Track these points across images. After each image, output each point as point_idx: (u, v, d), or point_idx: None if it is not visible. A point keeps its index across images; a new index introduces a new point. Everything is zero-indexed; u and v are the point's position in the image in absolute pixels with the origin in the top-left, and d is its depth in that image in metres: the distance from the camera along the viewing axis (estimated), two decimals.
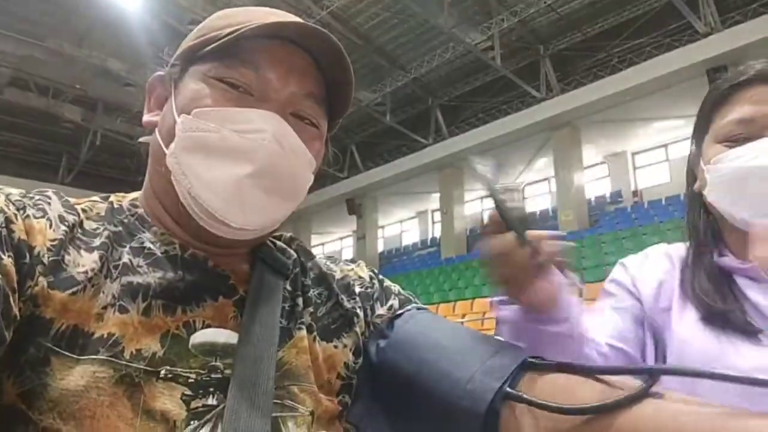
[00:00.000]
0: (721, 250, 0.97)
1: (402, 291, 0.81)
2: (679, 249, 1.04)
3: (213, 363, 0.60)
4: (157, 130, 0.68)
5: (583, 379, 0.57)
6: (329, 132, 0.75)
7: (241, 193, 0.61)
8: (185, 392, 0.56)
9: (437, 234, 20.48)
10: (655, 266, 1.03)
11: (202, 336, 0.60)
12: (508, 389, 0.58)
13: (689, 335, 0.90)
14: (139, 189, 0.74)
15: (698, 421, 0.46)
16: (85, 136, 18.07)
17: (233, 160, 0.61)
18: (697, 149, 0.99)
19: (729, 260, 0.94)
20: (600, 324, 0.98)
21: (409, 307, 0.76)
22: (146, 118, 0.72)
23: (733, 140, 0.90)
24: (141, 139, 0.73)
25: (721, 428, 0.44)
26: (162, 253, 0.64)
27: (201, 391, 0.57)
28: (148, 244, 0.65)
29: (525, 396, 0.57)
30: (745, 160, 0.87)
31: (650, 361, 0.95)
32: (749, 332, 0.85)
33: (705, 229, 0.99)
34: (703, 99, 1.00)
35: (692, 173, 1.02)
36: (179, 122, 0.63)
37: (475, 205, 20.65)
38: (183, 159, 0.62)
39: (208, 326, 0.62)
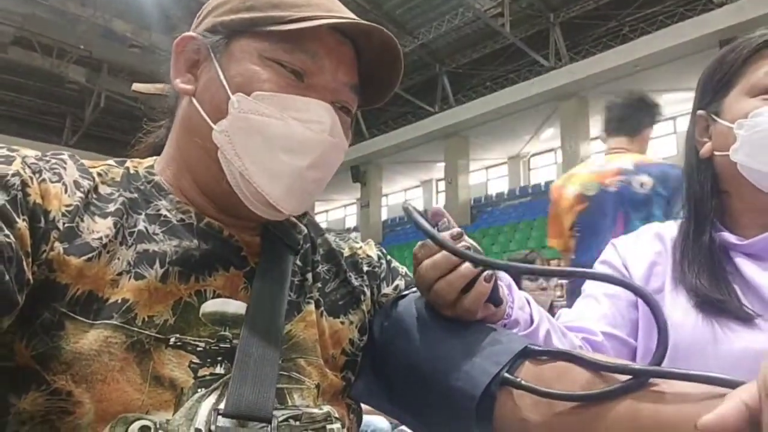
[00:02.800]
0: (719, 226, 0.94)
1: (408, 272, 0.82)
2: (671, 228, 1.02)
3: (222, 332, 0.61)
4: (194, 99, 0.67)
5: (582, 368, 0.57)
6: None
7: (297, 183, 0.63)
8: (193, 360, 0.58)
9: (441, 203, 20.48)
10: (646, 247, 1.01)
11: (212, 305, 0.61)
12: (506, 374, 0.58)
13: (682, 319, 0.87)
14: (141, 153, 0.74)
15: (697, 402, 0.46)
16: (90, 97, 17.96)
17: (294, 151, 0.62)
18: (709, 112, 0.95)
19: (727, 236, 0.91)
20: (592, 311, 0.96)
21: (414, 289, 0.76)
22: (180, 84, 0.68)
23: None
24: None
25: (704, 406, 0.44)
26: (178, 221, 0.65)
27: (209, 360, 0.58)
28: (164, 212, 0.65)
29: (523, 382, 0.58)
30: None
31: (642, 343, 0.93)
32: (745, 319, 0.83)
33: (708, 201, 0.95)
34: (716, 63, 0.95)
35: (695, 141, 0.98)
36: (235, 101, 0.63)
37: (481, 175, 20.59)
38: (238, 139, 0.62)
39: (219, 296, 0.62)
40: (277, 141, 0.62)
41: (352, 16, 0.66)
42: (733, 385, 0.44)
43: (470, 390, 0.59)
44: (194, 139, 0.66)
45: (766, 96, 0.86)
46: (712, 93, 0.95)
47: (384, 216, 22.01)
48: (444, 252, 0.65)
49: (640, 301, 0.95)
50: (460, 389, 0.59)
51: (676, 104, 14.94)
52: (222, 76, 0.64)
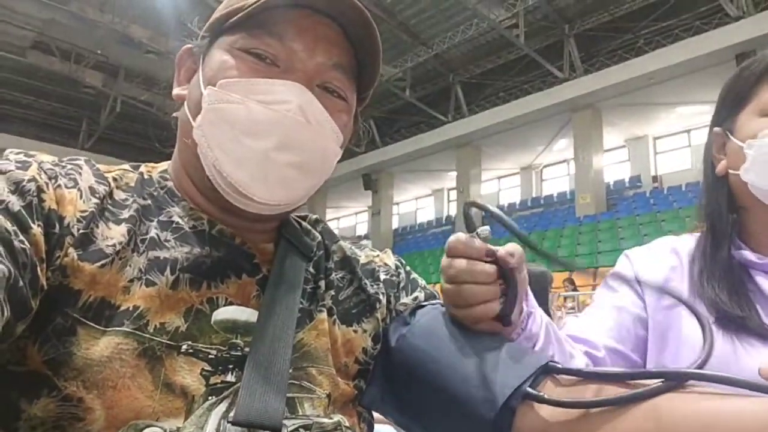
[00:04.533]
0: (739, 243, 0.92)
1: (428, 286, 0.81)
2: (687, 242, 0.99)
3: (233, 340, 0.60)
4: (185, 103, 0.68)
5: (606, 383, 0.55)
6: (359, 106, 0.74)
7: (265, 167, 0.61)
8: (205, 368, 0.57)
9: (453, 212, 20.44)
10: (661, 261, 0.98)
11: (224, 313, 0.61)
12: (528, 389, 0.57)
13: (698, 336, 0.86)
14: (159, 157, 0.74)
15: (719, 406, 0.45)
16: (106, 102, 18.16)
17: (257, 133, 0.61)
18: (724, 128, 0.94)
19: (748, 254, 0.89)
20: (598, 323, 0.94)
21: (434, 302, 0.75)
22: (176, 91, 0.71)
23: None
24: (174, 114, 0.73)
25: (743, 412, 0.43)
26: (190, 228, 0.65)
27: (220, 368, 0.58)
28: (176, 219, 0.65)
29: (545, 396, 0.56)
30: None
31: (654, 359, 0.91)
32: (766, 336, 0.81)
33: (725, 218, 0.93)
34: (733, 79, 0.94)
35: (713, 157, 0.97)
36: (205, 94, 0.63)
37: (492, 185, 20.54)
38: (208, 131, 0.62)
39: (231, 303, 0.62)
40: (240, 125, 0.61)
41: None
42: None
43: (490, 400, 0.57)
44: (184, 140, 0.67)
45: None
46: (728, 110, 0.94)
47: (395, 224, 21.99)
48: (481, 263, 0.65)
49: (649, 318, 0.94)
50: (479, 399, 0.58)
51: (691, 117, 14.86)
52: (200, 76, 0.66)
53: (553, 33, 15.17)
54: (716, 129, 0.96)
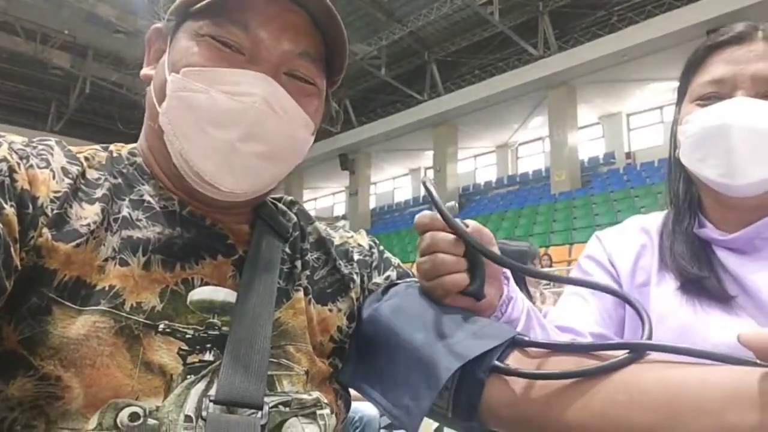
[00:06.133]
0: (701, 220, 0.96)
1: (401, 265, 0.82)
2: (656, 219, 1.03)
3: (211, 320, 0.61)
4: (152, 85, 0.68)
5: (572, 356, 0.57)
6: (330, 88, 0.74)
7: (231, 157, 0.61)
8: (182, 347, 0.58)
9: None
10: (632, 240, 1.02)
11: (200, 293, 0.61)
12: (496, 362, 0.58)
13: (666, 308, 0.89)
14: (129, 139, 0.73)
15: (685, 375, 0.47)
16: (74, 83, 17.74)
17: (223, 123, 0.61)
18: (678, 111, 0.98)
19: (708, 231, 0.93)
20: (580, 310, 0.96)
21: (408, 280, 0.76)
22: (144, 71, 0.71)
23: (706, 99, 0.89)
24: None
25: (707, 381, 0.45)
26: (161, 207, 0.65)
27: (198, 347, 0.59)
28: (147, 198, 0.65)
29: (512, 367, 0.58)
30: (711, 119, 0.86)
31: (630, 338, 0.93)
32: (724, 300, 0.85)
33: (684, 196, 0.99)
34: (685, 64, 0.98)
35: (674, 138, 1.00)
36: (169, 81, 0.63)
37: (469, 163, 20.63)
38: (174, 119, 0.62)
39: (206, 284, 0.63)
40: (205, 115, 0.61)
41: None
42: (730, 360, 0.46)
43: (448, 367, 0.58)
44: (150, 124, 0.67)
45: (701, 102, 0.89)
46: (679, 94, 0.99)
47: (372, 204, 22.02)
48: (445, 233, 0.67)
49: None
50: (442, 366, 0.58)
51: (664, 94, 15.04)
52: (166, 60, 0.65)
53: (528, 10, 15.16)
54: (675, 112, 1.00)
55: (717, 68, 0.89)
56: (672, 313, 0.89)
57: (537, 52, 15.09)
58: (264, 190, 0.68)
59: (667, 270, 0.93)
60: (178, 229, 0.64)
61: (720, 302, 0.86)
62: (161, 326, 0.57)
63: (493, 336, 0.60)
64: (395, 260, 0.83)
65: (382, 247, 0.84)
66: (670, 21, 12.38)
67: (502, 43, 15.88)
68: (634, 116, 17.08)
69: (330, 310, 0.71)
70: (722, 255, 0.91)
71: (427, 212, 0.69)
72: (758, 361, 0.43)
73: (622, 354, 0.52)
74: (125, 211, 0.62)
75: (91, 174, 0.63)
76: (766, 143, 0.84)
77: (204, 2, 0.63)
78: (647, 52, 12.87)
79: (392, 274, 0.79)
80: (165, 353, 0.56)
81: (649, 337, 0.58)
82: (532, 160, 19.47)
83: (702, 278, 0.88)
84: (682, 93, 0.97)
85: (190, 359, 0.58)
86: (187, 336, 0.59)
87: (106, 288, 0.56)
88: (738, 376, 0.43)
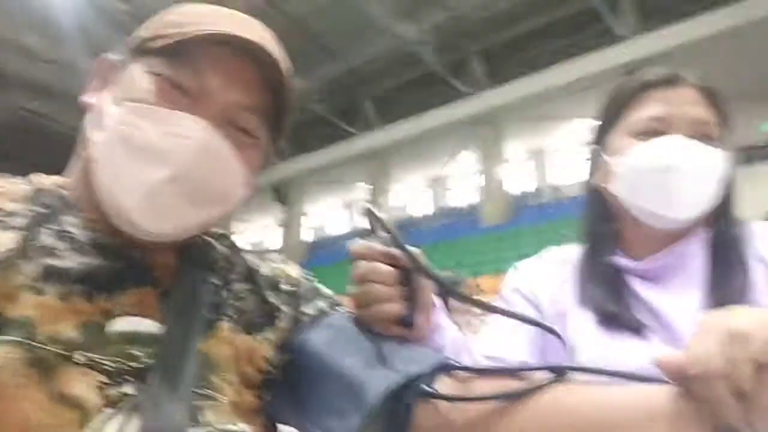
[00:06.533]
0: (616, 250, 1.00)
1: (333, 295, 0.82)
2: (573, 250, 1.07)
3: (132, 351, 0.59)
4: (90, 114, 0.67)
5: (498, 379, 0.59)
6: (273, 143, 0.74)
7: (155, 198, 0.60)
8: (101, 379, 0.56)
9: (365, 224, 20.52)
10: (550, 271, 1.05)
11: (121, 324, 0.60)
12: (424, 387, 0.59)
13: (585, 336, 0.93)
14: (55, 172, 0.71)
15: (603, 395, 0.50)
16: None
17: (153, 162, 0.60)
18: (600, 146, 1.03)
19: (623, 260, 0.98)
20: (507, 340, 0.99)
21: (339, 309, 0.76)
22: (84, 98, 0.70)
23: (644, 135, 0.94)
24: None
25: (623, 399, 0.49)
26: (85, 238, 0.63)
27: (118, 380, 0.57)
28: (71, 228, 0.63)
29: (440, 392, 0.59)
30: (656, 155, 0.91)
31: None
32: (638, 330, 0.90)
33: (603, 228, 1.02)
34: (607, 99, 1.04)
35: (591, 171, 1.06)
36: (111, 113, 0.62)
37: (404, 197, 20.88)
38: (107, 151, 0.61)
39: (129, 315, 0.61)
40: (137, 152, 0.60)
41: (256, 38, 0.64)
42: (643, 380, 0.50)
43: (378, 392, 0.58)
44: (82, 152, 0.66)
45: (640, 136, 0.95)
46: (602, 129, 1.04)
47: (306, 237, 21.84)
48: (380, 264, 0.67)
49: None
50: (370, 392, 0.59)
51: (587, 131, 15.80)
52: (111, 91, 0.65)
53: (459, 50, 15.71)
54: (594, 146, 1.05)
55: (656, 106, 0.94)
56: (590, 340, 0.92)
57: (467, 90, 15.61)
58: (185, 235, 0.66)
59: (584, 301, 0.97)
60: (102, 259, 0.62)
61: (634, 332, 0.90)
62: (78, 357, 0.55)
63: (422, 361, 0.62)
64: (326, 291, 0.82)
65: (311, 277, 0.83)
66: (590, 63, 13.19)
67: (434, 80, 16.34)
68: (560, 152, 17.85)
69: (257, 341, 0.70)
70: (635, 283, 0.96)
71: (362, 241, 0.69)
72: (667, 380, 0.46)
73: (545, 376, 0.55)
74: (47, 240, 0.60)
75: (7, 206, 0.61)
76: (703, 182, 0.91)
77: (162, 43, 0.63)
78: (570, 91, 13.57)
79: (323, 304, 0.78)
80: (82, 386, 0.54)
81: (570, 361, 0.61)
82: (463, 194, 19.92)
83: (619, 314, 0.92)
84: (608, 126, 1.02)
85: (109, 392, 0.55)
86: (107, 368, 0.56)
87: (19, 317, 0.54)
88: (650, 394, 0.47)
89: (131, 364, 0.58)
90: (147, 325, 0.61)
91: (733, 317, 0.43)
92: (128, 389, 0.57)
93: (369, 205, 0.71)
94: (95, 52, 0.69)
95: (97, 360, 0.56)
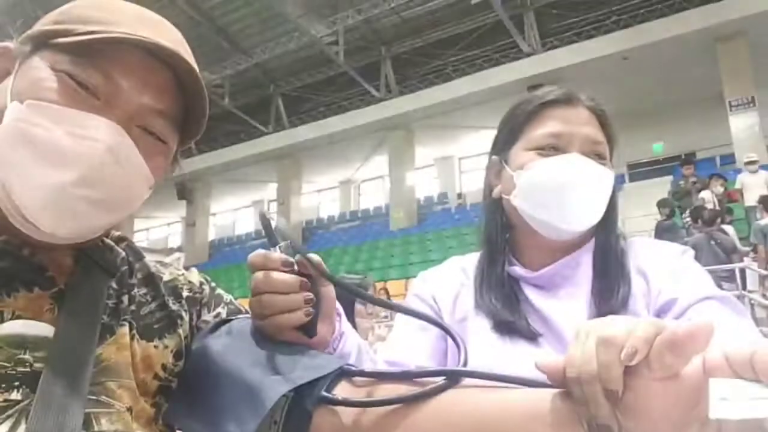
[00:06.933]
0: (511, 260, 1.05)
1: (233, 301, 0.81)
2: (473, 259, 1.11)
3: (21, 356, 0.56)
4: None
5: (396, 384, 0.61)
6: (181, 147, 0.72)
7: (58, 199, 0.57)
8: None
9: (273, 224, 20.20)
10: (451, 279, 1.09)
11: (10, 327, 0.57)
12: (323, 393, 0.60)
13: (482, 342, 0.98)
14: None
15: (493, 398, 0.54)
16: None
17: (58, 163, 0.57)
18: (501, 157, 1.08)
19: (518, 269, 1.02)
20: (408, 345, 1.02)
21: (239, 317, 0.76)
22: None
23: (545, 150, 1.00)
24: None
25: (508, 401, 0.52)
26: None
27: (3, 385, 0.54)
28: None
29: (338, 397, 0.60)
30: (556, 170, 0.97)
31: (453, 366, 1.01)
32: (531, 337, 0.95)
33: (500, 236, 1.07)
34: (509, 114, 1.09)
35: (490, 182, 1.11)
36: (10, 108, 0.58)
37: (313, 198, 20.78)
38: (4, 149, 0.57)
39: (19, 317, 0.58)
40: (41, 152, 0.57)
41: (170, 42, 0.63)
42: (530, 384, 0.53)
43: (275, 389, 0.59)
44: None
45: (540, 151, 1.00)
46: (503, 142, 1.08)
47: (212, 236, 21.23)
48: (278, 273, 0.66)
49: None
50: (266, 396, 0.59)
51: (490, 141, 16.44)
52: (10, 85, 0.61)
53: (371, 53, 15.87)
54: (494, 157, 1.10)
55: (554, 124, 1.00)
56: (486, 346, 0.97)
57: (379, 94, 15.80)
58: (86, 237, 0.64)
59: (481, 308, 1.02)
60: None
61: (528, 339, 0.96)
62: None
63: (321, 366, 0.62)
64: (227, 297, 0.82)
65: (213, 284, 0.82)
66: (496, 75, 13.78)
67: (346, 82, 16.41)
68: (466, 160, 18.47)
69: (156, 347, 0.68)
70: (528, 291, 1.01)
71: (260, 251, 0.68)
72: (551, 383, 0.50)
73: (440, 380, 0.57)
74: None
75: None
76: (596, 198, 0.98)
77: (69, 39, 0.60)
78: (477, 101, 14.09)
79: (222, 311, 0.78)
80: None
81: (465, 365, 0.64)
82: (373, 197, 20.12)
83: (512, 321, 0.97)
84: (509, 140, 1.06)
85: None
86: None
87: None
88: (534, 396, 0.51)
89: (20, 369, 0.56)
90: (38, 328, 0.59)
91: (607, 325, 0.47)
92: (16, 395, 0.54)
93: (264, 212, 0.70)
94: None
95: None
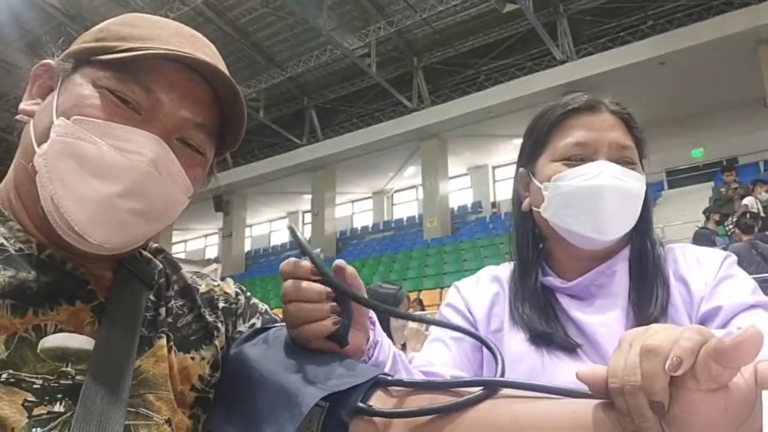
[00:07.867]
0: (545, 269, 1.04)
1: (269, 311, 0.81)
2: (507, 269, 1.10)
3: (63, 368, 0.57)
4: (32, 122, 0.65)
5: (433, 393, 0.60)
6: (217, 158, 0.74)
7: (105, 211, 0.59)
8: (28, 398, 0.54)
9: (308, 235, 20.42)
10: (485, 290, 1.08)
11: (53, 340, 0.58)
12: (359, 404, 0.59)
13: (518, 353, 0.97)
14: None
15: (533, 409, 0.52)
16: None
17: (105, 177, 0.59)
18: (528, 170, 1.06)
19: (552, 280, 1.01)
20: (441, 355, 1.01)
21: (275, 326, 0.76)
22: (24, 105, 0.68)
23: (571, 160, 0.98)
24: (17, 117, 0.68)
25: (551, 412, 0.51)
26: (16, 250, 0.61)
27: (47, 398, 0.55)
28: (0, 240, 0.61)
29: (374, 408, 0.59)
30: (584, 179, 0.95)
31: None
32: (570, 349, 0.94)
33: (532, 248, 1.06)
34: (532, 125, 1.07)
35: (519, 194, 1.09)
36: (56, 124, 0.60)
37: (346, 208, 20.87)
38: (52, 163, 0.59)
39: (61, 330, 0.59)
40: (88, 166, 0.59)
41: (207, 56, 0.65)
42: (570, 394, 0.51)
43: (311, 394, 0.58)
44: (23, 162, 0.64)
45: (567, 161, 0.98)
46: (529, 153, 1.07)
47: (248, 247, 21.48)
48: (307, 282, 0.66)
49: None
50: (302, 392, 0.59)
51: None
52: (55, 102, 0.63)
53: (403, 64, 15.91)
54: (521, 169, 1.08)
55: (578, 132, 0.98)
56: (523, 357, 0.96)
57: (411, 105, 15.81)
58: (131, 246, 0.66)
59: (516, 321, 1.01)
60: (34, 273, 0.60)
61: (565, 350, 0.94)
62: (4, 376, 0.53)
63: (357, 375, 0.62)
64: (262, 306, 0.82)
65: (249, 294, 0.83)
66: (530, 83, 13.61)
67: (378, 94, 16.48)
68: (499, 169, 18.31)
69: (192, 358, 0.69)
70: (564, 301, 0.99)
71: (291, 259, 0.69)
72: (592, 394, 0.48)
73: (477, 391, 0.56)
74: None
75: None
76: (628, 204, 0.96)
77: (110, 57, 0.62)
78: (510, 110, 13.95)
79: (258, 321, 0.79)
80: (6, 405, 0.52)
81: (502, 375, 0.63)
82: (406, 207, 20.11)
83: (550, 333, 0.95)
84: (535, 152, 1.05)
85: (36, 411, 0.53)
86: (35, 386, 0.54)
87: None
88: (577, 407, 0.49)
89: (62, 381, 0.56)
90: (80, 341, 0.59)
91: (651, 333, 0.45)
92: (59, 407, 0.55)
93: (292, 225, 0.71)
94: (29, 51, 0.66)
95: (25, 378, 0.54)
